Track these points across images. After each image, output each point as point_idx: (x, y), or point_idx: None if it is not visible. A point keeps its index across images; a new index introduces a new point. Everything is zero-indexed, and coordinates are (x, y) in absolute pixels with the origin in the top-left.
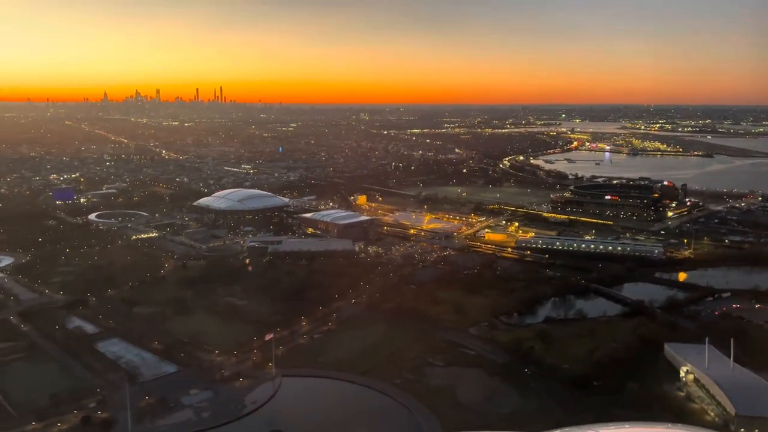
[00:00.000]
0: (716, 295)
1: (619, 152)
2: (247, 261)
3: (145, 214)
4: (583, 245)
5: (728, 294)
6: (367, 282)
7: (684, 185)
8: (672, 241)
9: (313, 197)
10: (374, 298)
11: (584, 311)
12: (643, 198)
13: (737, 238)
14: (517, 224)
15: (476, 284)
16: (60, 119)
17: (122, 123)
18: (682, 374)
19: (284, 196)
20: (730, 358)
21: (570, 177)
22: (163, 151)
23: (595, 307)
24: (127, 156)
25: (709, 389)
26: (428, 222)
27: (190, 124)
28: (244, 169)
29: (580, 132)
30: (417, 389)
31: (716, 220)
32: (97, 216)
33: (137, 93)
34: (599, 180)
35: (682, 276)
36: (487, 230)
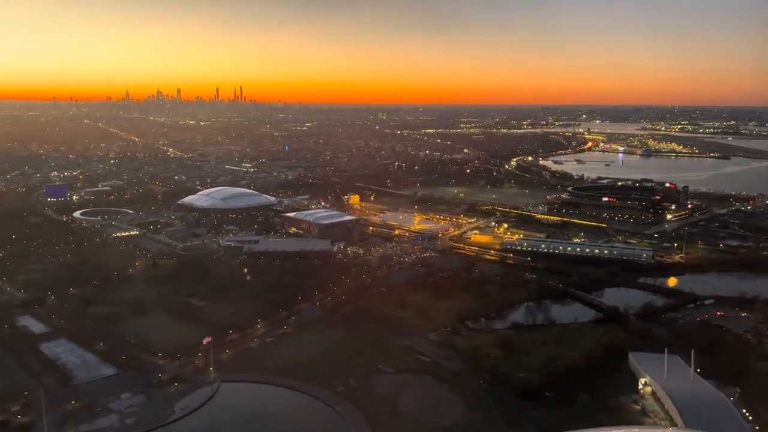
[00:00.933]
0: (698, 302)
1: (633, 153)
2: (222, 260)
3: (131, 212)
4: (569, 248)
5: (712, 301)
6: (337, 284)
7: (685, 187)
8: (665, 244)
9: (306, 196)
10: (340, 300)
11: (555, 317)
12: (641, 200)
13: (734, 243)
14: (506, 226)
15: (449, 287)
16: (80, 118)
17: (140, 122)
18: (640, 386)
19: (279, 195)
20: (696, 369)
21: (575, 178)
22: (170, 150)
23: (569, 312)
24: (133, 154)
25: (664, 403)
26: (418, 222)
27: (206, 123)
28: (245, 167)
29: (596, 133)
30: (359, 397)
31: (717, 224)
32: (82, 213)
33: (158, 92)
34: (603, 181)
35: (672, 281)
36: (475, 232)
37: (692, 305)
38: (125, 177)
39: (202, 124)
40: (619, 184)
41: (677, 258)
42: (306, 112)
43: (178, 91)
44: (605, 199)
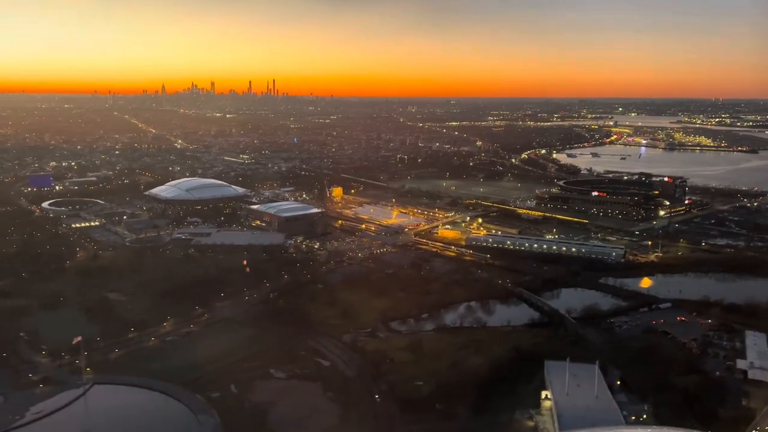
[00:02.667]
0: (654, 306)
1: (656, 147)
2: (166, 253)
3: (101, 202)
4: (536, 245)
5: (669, 305)
6: (273, 279)
7: (683, 182)
8: (644, 242)
9: (291, 188)
10: (267, 297)
11: (488, 319)
12: (634, 195)
13: (722, 242)
14: (480, 220)
15: (390, 285)
16: (112, 110)
17: (166, 114)
18: (542, 399)
19: (264, 187)
20: (618, 381)
21: (583, 172)
22: (179, 141)
23: (507, 314)
24: (140, 145)
25: (554, 421)
26: (396, 216)
27: (231, 115)
28: (242, 158)
29: (625, 126)
30: (230, 405)
31: (713, 221)
32: (50, 204)
33: (193, 85)
34: (609, 175)
35: (645, 282)
36: (447, 226)
37: (646, 309)
38: (118, 167)
39: (228, 116)
40: (610, 176)
41: (652, 257)
42: (336, 104)
43: (212, 84)
44: (595, 193)
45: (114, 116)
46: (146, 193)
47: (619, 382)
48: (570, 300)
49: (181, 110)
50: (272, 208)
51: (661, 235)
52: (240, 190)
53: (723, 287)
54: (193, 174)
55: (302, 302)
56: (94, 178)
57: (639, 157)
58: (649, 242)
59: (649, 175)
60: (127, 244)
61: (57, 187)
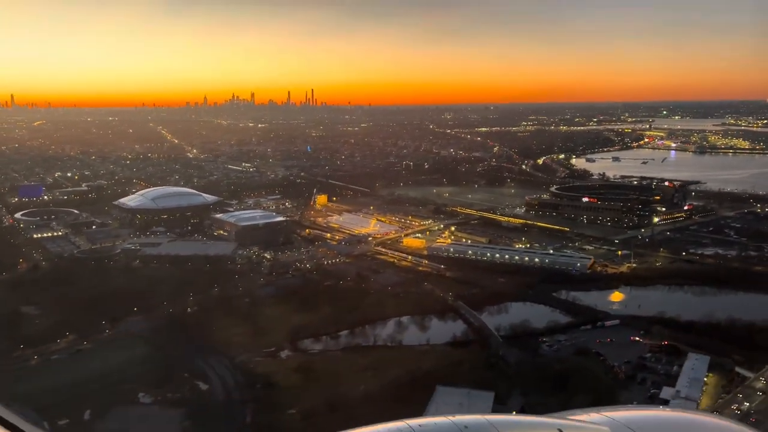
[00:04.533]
0: (599, 323)
1: (686, 150)
2: (109, 264)
3: (76, 212)
4: (497, 255)
5: (616, 321)
6: (201, 292)
7: (683, 186)
8: (622, 252)
9: (278, 196)
10: (184, 311)
11: (409, 336)
12: (627, 201)
13: (710, 251)
14: (453, 228)
15: (322, 298)
16: (149, 122)
17: (201, 124)
18: None
19: (251, 195)
20: (515, 411)
21: (595, 176)
22: (194, 150)
23: (435, 331)
24: (153, 155)
25: None
26: (374, 225)
27: (263, 125)
28: (244, 167)
29: (660, 129)
30: None
31: (711, 228)
32: (23, 214)
33: (234, 96)
34: (620, 180)
35: (616, 296)
36: (417, 235)
37: (589, 327)
38: (116, 177)
39: (260, 126)
40: (615, 180)
41: (623, 268)
42: (372, 113)
43: (252, 95)
44: (585, 199)
45: (147, 127)
46: (114, 202)
47: (515, 413)
48: (512, 315)
49: (217, 120)
50: (233, 216)
51: (641, 244)
52: (210, 198)
53: (690, 301)
54: (188, 182)
55: (217, 317)
56: (85, 188)
57: (663, 161)
58: (628, 251)
59: (650, 179)
60: (76, 254)
61: (45, 197)
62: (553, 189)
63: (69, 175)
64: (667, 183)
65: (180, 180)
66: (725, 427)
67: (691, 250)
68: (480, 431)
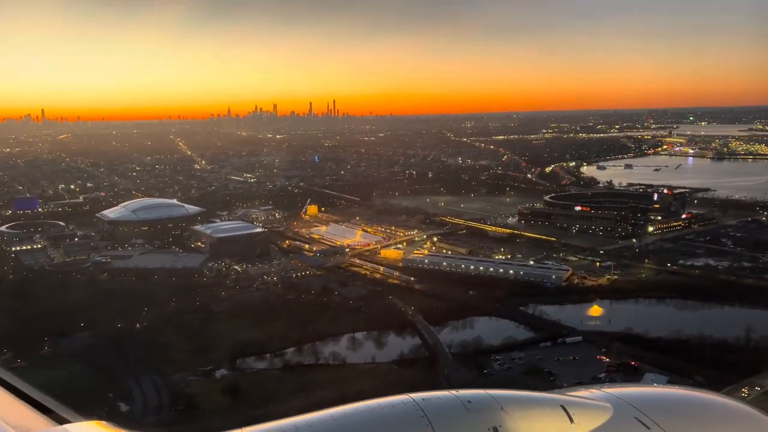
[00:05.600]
0: (560, 340)
1: (704, 156)
2: (76, 278)
3: (61, 224)
4: (472, 267)
5: (579, 338)
6: (157, 306)
7: (682, 194)
8: (606, 263)
9: (270, 207)
10: (133, 327)
11: (354, 355)
12: (621, 210)
13: (700, 262)
14: (436, 239)
15: (278, 314)
16: (170, 134)
17: (221, 136)
18: None
19: (243, 206)
20: None
21: (601, 184)
22: (202, 161)
23: (389, 347)
24: (162, 166)
25: None
26: (359, 236)
27: (281, 136)
28: (245, 177)
29: (684, 135)
30: None
31: (708, 237)
32: (8, 227)
33: (256, 108)
34: (627, 187)
35: (595, 310)
36: (398, 246)
37: (549, 343)
38: (115, 189)
39: (278, 137)
40: (634, 189)
41: (602, 280)
42: (393, 123)
43: (274, 106)
44: (578, 208)
45: (166, 139)
46: (97, 214)
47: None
48: (474, 331)
49: (238, 132)
50: (209, 228)
51: (630, 255)
52: (192, 209)
53: (667, 316)
54: (186, 192)
55: (165, 333)
56: (81, 200)
57: (676, 168)
58: (611, 263)
59: (649, 186)
60: (46, 267)
61: (39, 209)
62: (546, 198)
63: (72, 187)
64: (665, 190)
65: (179, 191)
66: (732, 407)
67: (680, 261)
68: (483, 405)
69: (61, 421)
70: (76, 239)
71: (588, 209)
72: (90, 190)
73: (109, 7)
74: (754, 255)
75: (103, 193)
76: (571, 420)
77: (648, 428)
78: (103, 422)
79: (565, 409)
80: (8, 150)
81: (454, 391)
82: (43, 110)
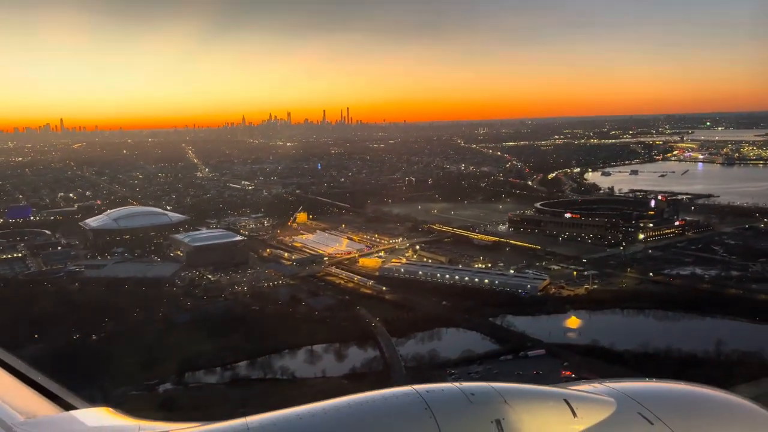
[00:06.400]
0: (522, 353)
1: (713, 162)
2: (47, 287)
3: (47, 232)
4: (447, 276)
5: (542, 351)
6: (119, 317)
7: (674, 201)
8: (589, 272)
9: (260, 214)
10: (88, 338)
11: (305, 368)
12: (612, 217)
13: (686, 271)
14: (419, 247)
15: (238, 325)
16: (182, 142)
17: (233, 144)
18: None
19: (233, 214)
20: None
21: (601, 191)
22: (206, 169)
23: (341, 361)
24: (163, 174)
25: None
26: (345, 244)
27: (292, 143)
28: (243, 185)
29: (697, 140)
30: None
31: (699, 245)
32: None
33: (271, 116)
34: (627, 193)
35: (573, 322)
36: (379, 254)
37: (510, 356)
38: (112, 197)
39: (288, 144)
40: (632, 195)
41: (580, 290)
42: (406, 130)
43: (288, 114)
44: (568, 215)
45: (177, 148)
46: (80, 223)
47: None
48: (439, 343)
49: (250, 140)
50: (188, 237)
51: (615, 263)
52: (175, 217)
53: (642, 328)
54: (180, 200)
55: (119, 345)
56: (74, 208)
57: (683, 173)
58: (592, 271)
59: (644, 192)
60: (19, 277)
61: (32, 218)
62: (537, 205)
63: (71, 195)
64: (660, 197)
65: (174, 199)
66: (734, 403)
67: (666, 270)
68: (486, 398)
69: (68, 407)
70: (59, 248)
71: (578, 216)
72: (87, 198)
73: (128, 19)
74: (744, 264)
75: (98, 202)
76: (574, 414)
77: (651, 423)
78: (110, 408)
79: (568, 403)
80: (20, 159)
81: (457, 384)
82: (62, 120)
